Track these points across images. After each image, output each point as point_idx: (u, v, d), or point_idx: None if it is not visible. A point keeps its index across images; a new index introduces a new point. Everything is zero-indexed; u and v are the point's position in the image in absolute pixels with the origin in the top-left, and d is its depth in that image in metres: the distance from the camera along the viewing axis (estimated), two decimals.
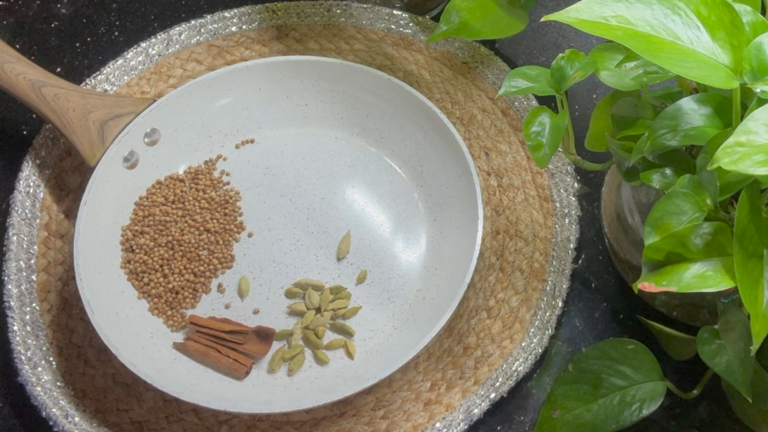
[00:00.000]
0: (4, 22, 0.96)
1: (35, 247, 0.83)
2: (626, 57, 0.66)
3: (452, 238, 0.81)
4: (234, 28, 0.93)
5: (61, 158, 0.87)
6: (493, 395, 0.76)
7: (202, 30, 0.93)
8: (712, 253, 0.56)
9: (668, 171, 0.62)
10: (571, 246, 0.81)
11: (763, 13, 0.60)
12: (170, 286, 0.80)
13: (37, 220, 0.84)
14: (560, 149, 0.71)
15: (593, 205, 0.85)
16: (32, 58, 0.88)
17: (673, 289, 0.56)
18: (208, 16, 0.94)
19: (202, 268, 0.81)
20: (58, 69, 0.93)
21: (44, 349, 0.78)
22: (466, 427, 0.75)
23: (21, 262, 0.81)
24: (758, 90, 0.55)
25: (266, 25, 0.93)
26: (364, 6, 0.93)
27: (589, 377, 0.73)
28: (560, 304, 0.79)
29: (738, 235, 0.54)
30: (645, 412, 0.71)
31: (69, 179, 0.86)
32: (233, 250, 0.82)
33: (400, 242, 0.83)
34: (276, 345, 0.78)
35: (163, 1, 0.97)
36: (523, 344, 0.78)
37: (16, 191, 0.85)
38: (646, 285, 0.56)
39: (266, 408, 0.71)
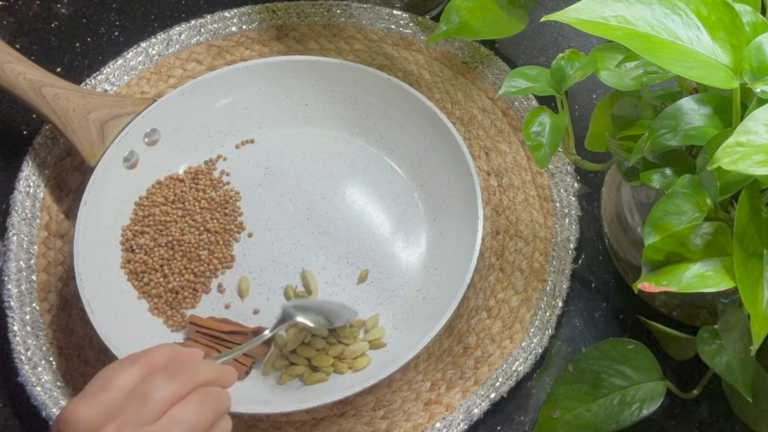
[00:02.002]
0: (4, 22, 0.96)
1: (35, 247, 0.83)
2: (626, 57, 0.66)
3: (452, 238, 0.81)
4: (234, 28, 0.93)
5: (61, 158, 0.87)
6: (493, 395, 0.76)
7: (202, 30, 0.93)
8: (712, 253, 0.56)
9: (668, 171, 0.62)
10: (571, 246, 0.81)
11: (763, 13, 0.60)
12: (170, 286, 0.80)
13: (37, 220, 0.84)
14: (560, 149, 0.71)
15: (593, 205, 0.85)
16: (32, 58, 0.88)
17: (673, 289, 0.56)
18: (208, 16, 0.94)
19: (202, 268, 0.81)
20: (58, 69, 0.93)
21: (44, 349, 0.78)
22: (466, 427, 0.75)
23: (21, 262, 0.81)
24: (758, 90, 0.55)
25: (266, 25, 0.93)
26: (364, 6, 0.93)
27: (589, 377, 0.73)
28: (560, 304, 0.79)
29: (738, 235, 0.54)
30: (645, 412, 0.71)
31: (69, 179, 0.86)
32: (233, 250, 0.82)
33: (400, 242, 0.83)
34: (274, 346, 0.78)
35: (163, 1, 0.97)
36: (523, 344, 0.78)
37: (16, 191, 0.85)
38: (646, 285, 0.56)
39: (266, 408, 0.71)
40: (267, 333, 0.74)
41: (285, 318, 0.75)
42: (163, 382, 0.56)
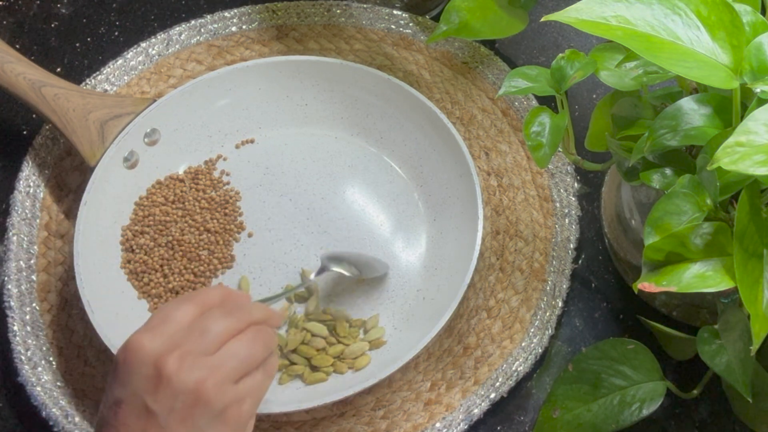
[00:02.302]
0: (4, 22, 0.96)
1: (35, 247, 0.83)
2: (626, 57, 0.66)
3: (452, 238, 0.81)
4: (234, 28, 0.93)
5: (61, 158, 0.87)
6: (493, 395, 0.76)
7: (202, 30, 0.93)
8: (712, 253, 0.56)
9: (668, 171, 0.62)
10: (571, 246, 0.81)
11: (763, 13, 0.60)
12: (170, 286, 0.80)
13: (37, 220, 0.84)
14: (560, 149, 0.71)
15: (593, 205, 0.85)
16: (32, 58, 0.88)
17: (673, 289, 0.56)
18: (208, 16, 0.94)
19: (202, 268, 0.81)
20: (58, 69, 0.93)
21: (44, 349, 0.78)
22: (466, 427, 0.75)
23: (21, 262, 0.81)
24: (758, 90, 0.55)
25: (266, 25, 0.93)
26: (364, 6, 0.93)
27: (589, 377, 0.73)
28: (560, 304, 0.79)
29: (738, 235, 0.54)
30: (645, 412, 0.71)
31: (69, 179, 0.86)
32: (233, 250, 0.82)
33: (400, 242, 0.83)
34: None
35: (163, 1, 0.97)
36: (523, 344, 0.78)
37: (16, 191, 0.85)
38: (646, 285, 0.56)
39: (266, 408, 0.71)
40: (312, 277, 0.78)
41: (323, 268, 0.78)
42: (221, 318, 0.60)
